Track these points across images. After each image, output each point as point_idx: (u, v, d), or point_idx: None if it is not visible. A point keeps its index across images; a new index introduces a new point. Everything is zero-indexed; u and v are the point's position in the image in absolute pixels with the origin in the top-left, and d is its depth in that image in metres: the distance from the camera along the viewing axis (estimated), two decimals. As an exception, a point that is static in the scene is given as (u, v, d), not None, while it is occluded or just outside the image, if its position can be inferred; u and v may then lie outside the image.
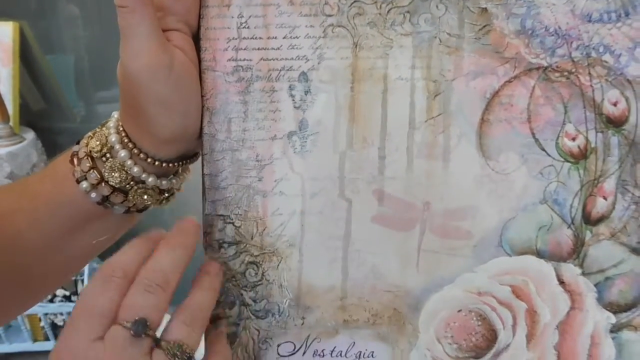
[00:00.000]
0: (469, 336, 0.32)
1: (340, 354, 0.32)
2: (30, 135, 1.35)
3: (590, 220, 0.31)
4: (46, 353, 1.30)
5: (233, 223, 0.32)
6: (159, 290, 0.28)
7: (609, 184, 0.31)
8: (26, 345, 1.29)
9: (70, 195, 0.32)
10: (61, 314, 1.26)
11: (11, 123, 1.29)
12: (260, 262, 0.32)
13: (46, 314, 1.26)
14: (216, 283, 0.31)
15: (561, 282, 0.31)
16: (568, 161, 0.31)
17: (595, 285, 0.31)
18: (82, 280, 1.26)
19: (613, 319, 0.32)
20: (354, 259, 0.32)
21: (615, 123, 0.31)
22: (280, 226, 0.32)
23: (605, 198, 0.31)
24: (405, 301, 0.32)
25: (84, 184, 0.31)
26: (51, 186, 0.32)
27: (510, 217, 0.31)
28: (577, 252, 0.31)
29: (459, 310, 0.32)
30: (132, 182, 0.31)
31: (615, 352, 0.32)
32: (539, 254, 0.31)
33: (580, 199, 0.31)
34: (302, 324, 0.32)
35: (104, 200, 0.32)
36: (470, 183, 0.31)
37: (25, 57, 1.41)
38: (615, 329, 0.32)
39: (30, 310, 1.25)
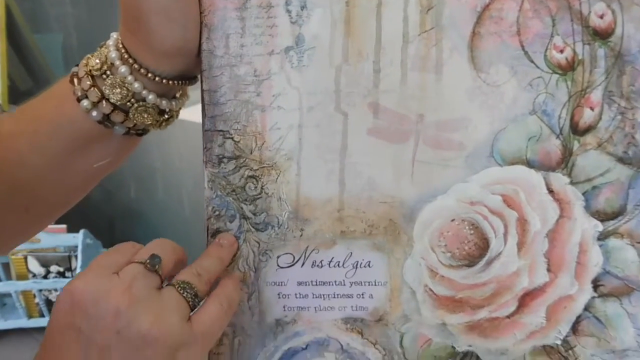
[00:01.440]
0: (462, 245, 0.33)
1: (338, 264, 0.33)
2: (20, 112, 1.34)
3: (577, 130, 0.32)
4: (41, 329, 1.31)
5: (232, 138, 0.33)
6: (172, 245, 0.31)
7: (596, 95, 0.32)
8: (21, 321, 1.30)
9: (70, 115, 0.32)
10: (55, 290, 1.27)
11: None
12: (260, 176, 0.33)
13: (41, 290, 1.26)
14: (226, 255, 0.33)
15: (550, 191, 0.33)
16: (556, 73, 0.32)
17: (583, 194, 0.33)
18: (76, 256, 1.26)
19: (600, 226, 0.33)
20: (351, 171, 0.33)
21: (602, 35, 0.32)
22: (279, 140, 0.32)
23: (592, 109, 0.32)
24: (400, 212, 0.33)
25: (85, 102, 0.32)
26: (51, 107, 0.33)
27: (500, 128, 0.32)
28: (565, 161, 0.32)
29: (452, 220, 0.33)
30: (132, 100, 0.32)
31: (602, 259, 0.33)
32: (529, 164, 0.33)
33: (568, 109, 0.32)
34: (301, 235, 0.33)
35: (105, 119, 0.32)
36: (462, 95, 0.32)
37: (12, 36, 1.40)
38: (602, 237, 0.33)
39: (25, 287, 1.25)
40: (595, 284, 0.33)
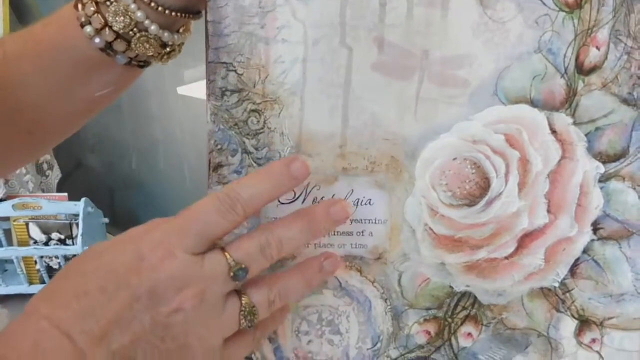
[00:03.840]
0: (463, 184, 0.33)
1: (339, 201, 0.33)
2: (22, 78, 1.34)
3: (582, 70, 0.32)
4: (41, 296, 1.32)
5: (236, 70, 0.32)
6: (270, 258, 0.29)
7: (602, 34, 0.32)
8: (22, 287, 1.30)
9: (73, 40, 0.32)
10: (56, 257, 1.27)
11: (3, 64, 1.28)
12: (262, 110, 0.33)
13: (42, 257, 1.27)
14: (316, 280, 0.32)
15: (553, 132, 0.33)
16: (563, 10, 0.32)
17: (586, 135, 0.33)
18: (77, 224, 1.27)
19: (602, 168, 0.33)
20: (354, 106, 0.33)
21: (610, -27, 0.31)
22: (282, 74, 0.32)
23: (598, 48, 0.32)
24: (403, 149, 0.33)
25: (88, 29, 0.32)
26: (55, 31, 0.33)
27: (505, 66, 0.32)
28: (569, 101, 0.32)
29: (454, 159, 0.33)
30: (135, 29, 0.32)
31: (603, 202, 0.33)
32: (533, 103, 0.32)
33: (573, 48, 0.32)
34: (303, 171, 0.33)
35: (107, 47, 0.32)
36: (467, 31, 0.32)
37: (13, -1, 1.39)
38: (603, 179, 0.33)
39: (26, 253, 1.25)
40: (595, 227, 0.33)
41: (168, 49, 0.34)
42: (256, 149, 0.33)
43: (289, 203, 0.34)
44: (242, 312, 0.29)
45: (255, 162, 0.33)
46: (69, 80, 0.33)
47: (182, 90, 1.35)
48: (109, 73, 0.34)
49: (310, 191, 0.33)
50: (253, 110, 0.33)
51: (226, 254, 0.28)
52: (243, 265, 0.28)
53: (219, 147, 0.33)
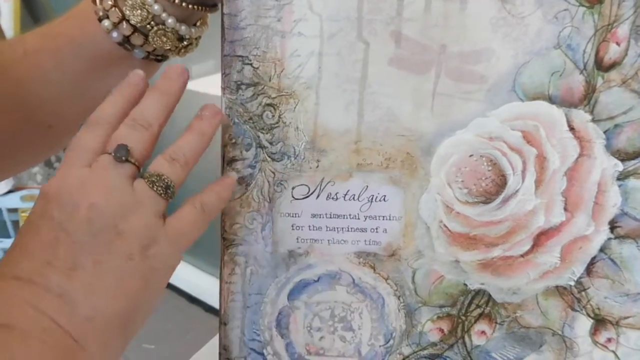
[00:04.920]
0: (479, 181, 0.33)
1: (354, 198, 0.33)
2: (31, 71, 1.34)
3: (602, 66, 0.32)
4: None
5: (251, 64, 0.32)
6: (142, 128, 0.29)
7: (623, 30, 0.31)
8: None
9: (92, 34, 0.32)
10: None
11: (13, 57, 1.29)
12: (278, 105, 0.33)
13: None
14: (207, 127, 0.31)
15: (571, 128, 0.32)
16: (583, 5, 0.31)
17: (604, 132, 0.32)
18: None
19: (620, 166, 0.32)
20: (370, 101, 0.32)
21: (632, -32, 0.31)
22: (298, 68, 0.32)
23: (618, 44, 0.31)
24: (418, 145, 0.33)
25: (106, 23, 0.32)
26: (74, 26, 0.33)
27: (524, 62, 0.32)
28: (588, 98, 0.32)
29: (470, 155, 0.33)
30: (152, 22, 0.32)
31: (621, 200, 0.33)
32: (551, 100, 0.32)
33: (593, 44, 0.31)
34: (317, 167, 0.33)
35: (125, 41, 0.32)
36: (486, 26, 0.31)
37: (26, -4, 1.39)
38: (622, 177, 0.33)
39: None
40: (612, 225, 0.33)
41: (185, 43, 0.34)
42: (271, 143, 0.33)
43: (303, 198, 0.34)
44: (148, 184, 0.28)
45: (269, 156, 0.33)
46: (88, 75, 0.33)
47: (190, 85, 1.35)
48: (127, 68, 0.34)
49: (324, 187, 0.33)
50: (268, 105, 0.33)
51: (105, 151, 0.28)
52: (119, 144, 0.28)
53: (233, 141, 0.33)
